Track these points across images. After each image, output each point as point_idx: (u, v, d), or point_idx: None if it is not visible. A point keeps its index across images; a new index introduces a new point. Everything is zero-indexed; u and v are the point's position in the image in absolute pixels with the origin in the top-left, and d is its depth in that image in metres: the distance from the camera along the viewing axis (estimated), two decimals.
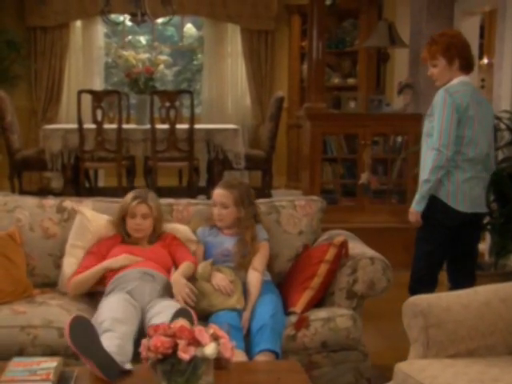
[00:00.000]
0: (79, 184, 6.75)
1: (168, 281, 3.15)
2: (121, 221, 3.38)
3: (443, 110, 3.46)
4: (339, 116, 6.19)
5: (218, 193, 3.42)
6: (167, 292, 3.11)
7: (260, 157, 7.43)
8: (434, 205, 3.55)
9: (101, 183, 8.06)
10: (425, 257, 3.67)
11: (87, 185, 7.20)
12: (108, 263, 3.22)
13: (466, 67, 3.58)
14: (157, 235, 3.40)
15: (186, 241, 3.45)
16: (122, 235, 3.39)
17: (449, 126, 3.45)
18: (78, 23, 8.73)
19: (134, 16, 6.94)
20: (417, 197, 3.56)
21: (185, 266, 3.21)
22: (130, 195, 3.40)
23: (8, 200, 3.59)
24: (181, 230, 3.50)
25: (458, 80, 3.56)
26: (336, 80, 8.63)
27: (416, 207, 3.57)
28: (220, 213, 3.40)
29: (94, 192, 6.59)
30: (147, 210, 3.33)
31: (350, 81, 8.60)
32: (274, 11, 8.76)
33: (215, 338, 2.26)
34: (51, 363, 2.35)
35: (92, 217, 3.48)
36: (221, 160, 6.86)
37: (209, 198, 3.88)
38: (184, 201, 3.63)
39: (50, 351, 2.90)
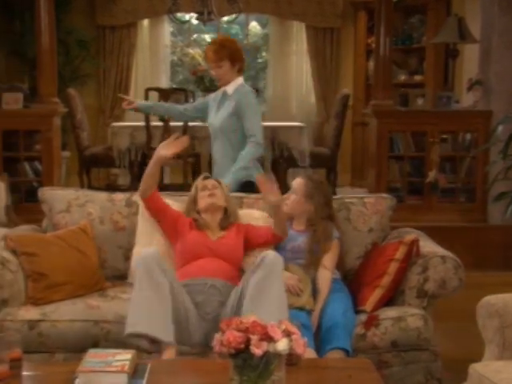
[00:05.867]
0: None
1: (233, 288, 3.11)
2: (193, 203, 3.45)
3: (256, 109, 4.05)
4: (406, 113, 6.10)
5: (296, 180, 3.54)
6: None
7: (325, 155, 7.39)
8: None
9: (166, 180, 8.14)
10: None
11: None
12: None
13: (242, 70, 4.12)
14: (229, 221, 3.42)
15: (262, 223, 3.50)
16: (193, 219, 3.41)
17: (260, 122, 4.07)
18: (146, 22, 8.85)
19: (200, 15, 6.99)
20: (233, 178, 3.89)
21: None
22: (200, 177, 3.56)
23: (79, 195, 3.68)
24: (256, 215, 3.54)
25: (241, 81, 4.10)
26: (402, 77, 8.51)
27: (233, 188, 3.83)
28: (288, 197, 3.46)
29: (159, 189, 6.65)
30: (215, 183, 3.47)
31: (417, 78, 8.46)
32: (339, 8, 8.70)
33: (287, 334, 2.25)
34: (126, 355, 2.39)
35: None
36: (285, 158, 6.84)
37: None
38: (254, 195, 3.64)
39: (122, 346, 2.91)
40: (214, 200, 3.39)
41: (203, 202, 3.40)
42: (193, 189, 3.51)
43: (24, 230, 3.60)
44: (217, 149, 4.17)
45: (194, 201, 3.46)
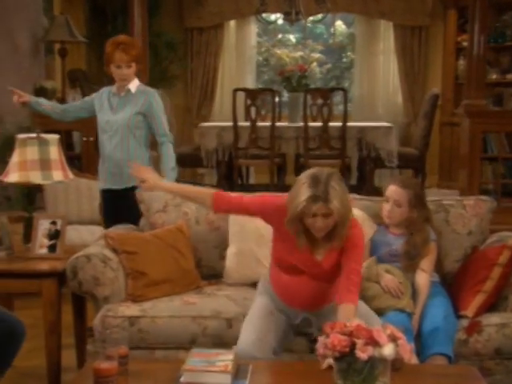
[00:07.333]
0: (232, 180, 6.88)
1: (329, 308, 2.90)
2: (297, 221, 2.68)
3: (163, 108, 4.15)
4: (500, 113, 5.94)
5: (394, 190, 3.33)
6: None
7: (413, 155, 7.26)
8: None
9: (251, 180, 8.18)
10: None
11: (239, 181, 7.32)
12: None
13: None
14: (338, 236, 2.71)
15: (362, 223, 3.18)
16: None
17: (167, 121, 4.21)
18: (232, 23, 8.91)
19: (287, 15, 6.99)
20: (171, 181, 3.88)
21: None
22: (305, 193, 2.59)
23: None
24: (356, 213, 3.35)
25: (138, 81, 4.12)
26: (494, 76, 8.25)
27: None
28: (392, 210, 3.33)
29: (245, 189, 6.69)
30: (327, 210, 2.61)
31: (509, 76, 8.18)
32: (428, 6, 8.52)
33: (393, 338, 2.21)
34: (228, 356, 2.40)
35: None
36: (373, 158, 6.76)
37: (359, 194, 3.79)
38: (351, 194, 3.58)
39: (219, 341, 3.00)
40: (323, 233, 2.71)
41: (312, 229, 2.70)
42: (297, 206, 2.60)
43: (122, 228, 3.67)
44: (115, 146, 4.09)
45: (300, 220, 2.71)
